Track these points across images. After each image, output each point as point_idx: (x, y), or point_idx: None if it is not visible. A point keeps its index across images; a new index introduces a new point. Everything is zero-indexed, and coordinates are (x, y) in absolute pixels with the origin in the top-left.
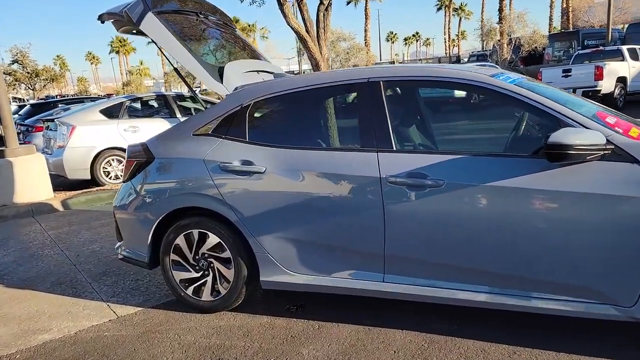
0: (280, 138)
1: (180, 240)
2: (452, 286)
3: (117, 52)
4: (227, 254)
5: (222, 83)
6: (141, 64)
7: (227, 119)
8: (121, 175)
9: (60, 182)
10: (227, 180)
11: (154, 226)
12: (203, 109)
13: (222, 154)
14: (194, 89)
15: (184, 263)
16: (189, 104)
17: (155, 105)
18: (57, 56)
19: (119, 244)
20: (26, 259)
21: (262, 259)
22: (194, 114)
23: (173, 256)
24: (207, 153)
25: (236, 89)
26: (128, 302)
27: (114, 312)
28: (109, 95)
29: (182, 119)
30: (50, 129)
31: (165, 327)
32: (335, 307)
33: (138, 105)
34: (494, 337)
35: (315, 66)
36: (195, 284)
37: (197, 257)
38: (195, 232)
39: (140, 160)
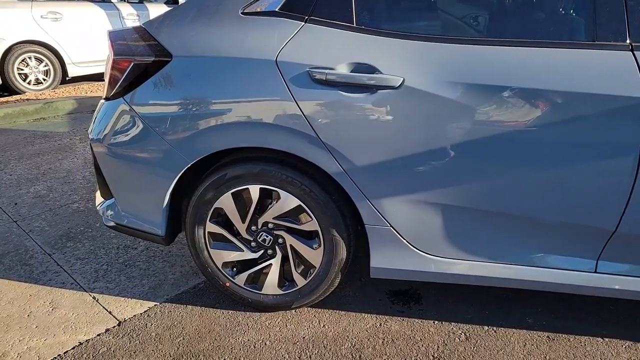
0: (433, 24)
1: (224, 202)
2: None
3: None
4: (311, 224)
5: None
6: None
7: None
8: (44, 80)
9: None
10: (322, 102)
11: (176, 179)
12: None
13: (312, 51)
14: None
15: (230, 237)
16: None
17: None
18: None
19: (104, 202)
20: None
21: (377, 234)
22: None
23: (211, 226)
24: (281, 49)
25: None
26: (126, 292)
27: (109, 313)
28: None
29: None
30: None
31: (209, 344)
32: (452, 294)
33: None
34: None
35: None
36: (251, 270)
37: (254, 228)
38: (255, 190)
39: (144, 60)
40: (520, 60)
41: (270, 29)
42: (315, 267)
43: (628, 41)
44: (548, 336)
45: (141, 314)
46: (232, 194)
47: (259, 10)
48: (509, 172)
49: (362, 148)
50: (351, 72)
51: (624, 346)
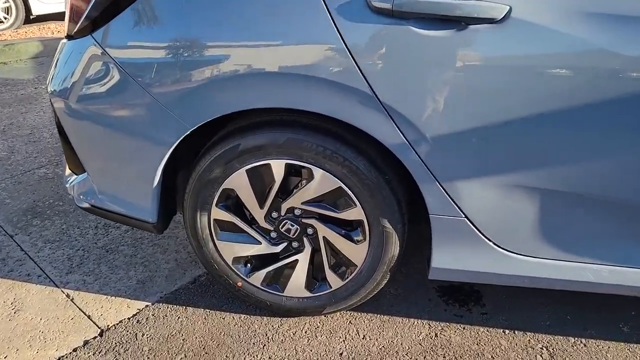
0: None
1: (236, 182)
2: None
3: None
4: (354, 212)
5: None
6: None
7: None
8: (5, 19)
9: None
10: (384, 43)
11: (171, 150)
12: None
13: None
14: None
15: (244, 226)
16: None
17: None
18: None
19: (74, 178)
20: None
21: (445, 226)
22: None
23: (218, 212)
24: None
25: None
26: (109, 287)
27: (88, 318)
28: None
29: None
30: None
31: None
32: (518, 291)
33: None
34: None
35: None
36: (271, 267)
37: (275, 215)
38: (278, 166)
39: None
40: None
41: None
42: (356, 266)
43: None
44: None
45: (129, 319)
46: (248, 171)
47: None
48: None
49: (438, 111)
50: None
51: None
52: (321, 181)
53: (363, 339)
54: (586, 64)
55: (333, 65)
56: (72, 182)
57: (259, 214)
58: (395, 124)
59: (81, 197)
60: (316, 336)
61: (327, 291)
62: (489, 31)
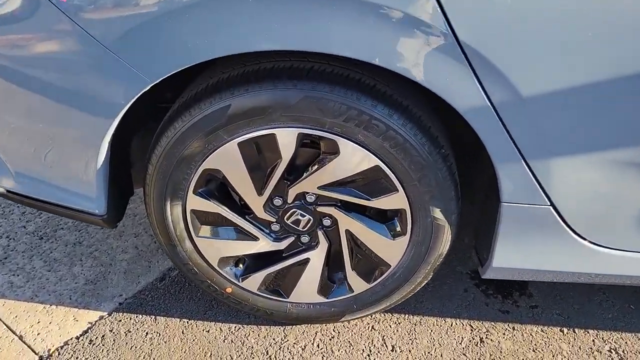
0: None
1: (223, 160)
2: None
3: None
4: (393, 199)
5: None
6: None
7: None
8: None
9: None
10: None
11: (121, 114)
12: None
13: None
14: None
15: (233, 218)
16: None
17: None
18: None
19: None
20: None
21: (521, 217)
22: None
23: (197, 201)
24: None
25: None
26: (47, 292)
27: (20, 339)
28: None
29: None
30: None
31: None
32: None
33: None
34: None
35: None
36: (272, 267)
37: (278, 202)
38: (288, 137)
39: None
40: None
41: None
42: (389, 266)
43: None
44: None
45: (78, 338)
46: (241, 144)
47: None
48: None
49: (542, 59)
50: None
51: None
52: (350, 158)
53: (392, 351)
54: None
55: None
56: None
57: (256, 203)
58: (476, 76)
59: None
60: (332, 351)
61: (347, 296)
62: None
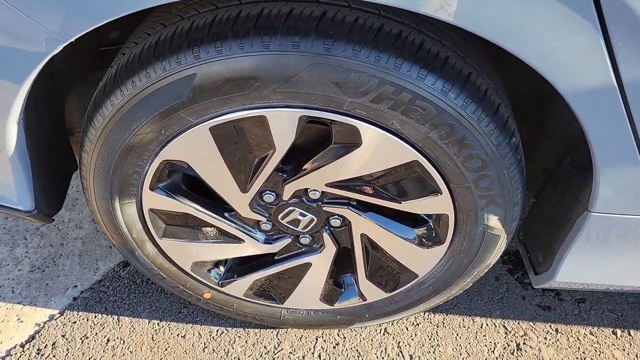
0: None
1: (188, 148)
2: None
3: None
4: (435, 203)
5: None
6: None
7: None
8: None
9: None
10: None
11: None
12: None
13: None
14: None
15: (207, 219)
16: None
17: None
18: None
19: None
20: None
21: (609, 227)
22: None
23: (155, 199)
24: None
25: None
26: None
27: None
28: None
29: None
30: None
31: None
32: None
33: None
34: None
35: None
36: (261, 273)
37: (269, 198)
38: (285, 120)
39: None
40: None
41: None
42: (416, 276)
43: None
44: None
45: (23, 345)
46: (214, 129)
47: None
48: None
49: None
50: None
51: None
52: (377, 150)
53: None
54: None
55: None
56: None
57: (240, 201)
58: (608, 43)
59: None
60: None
61: (357, 304)
62: None
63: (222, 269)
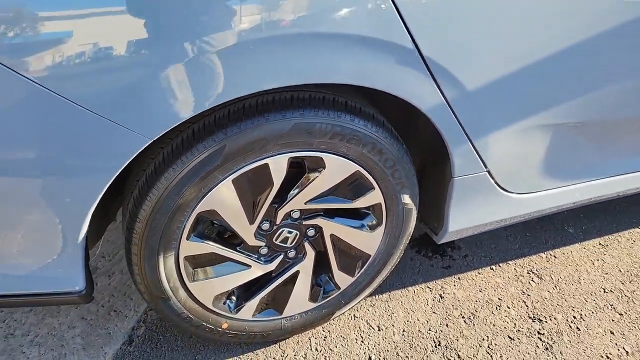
0: None
1: (219, 200)
2: None
3: None
4: (372, 196)
5: None
6: None
7: None
8: None
9: None
10: None
11: (111, 180)
12: None
13: None
14: None
15: (227, 253)
16: None
17: None
18: None
19: None
20: None
21: (467, 186)
22: None
23: (190, 247)
24: None
25: None
26: None
27: None
28: None
29: None
30: None
31: None
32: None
33: None
34: None
35: None
36: (265, 290)
37: (266, 226)
38: (280, 163)
39: None
40: None
41: None
42: (369, 256)
43: None
44: (599, 242)
45: None
46: (235, 181)
47: None
48: None
49: (482, 59)
50: None
51: None
52: (335, 169)
53: (379, 330)
54: None
55: (367, 17)
56: None
57: (248, 232)
58: (436, 83)
59: None
60: (331, 349)
61: (334, 294)
62: None
63: (233, 298)
